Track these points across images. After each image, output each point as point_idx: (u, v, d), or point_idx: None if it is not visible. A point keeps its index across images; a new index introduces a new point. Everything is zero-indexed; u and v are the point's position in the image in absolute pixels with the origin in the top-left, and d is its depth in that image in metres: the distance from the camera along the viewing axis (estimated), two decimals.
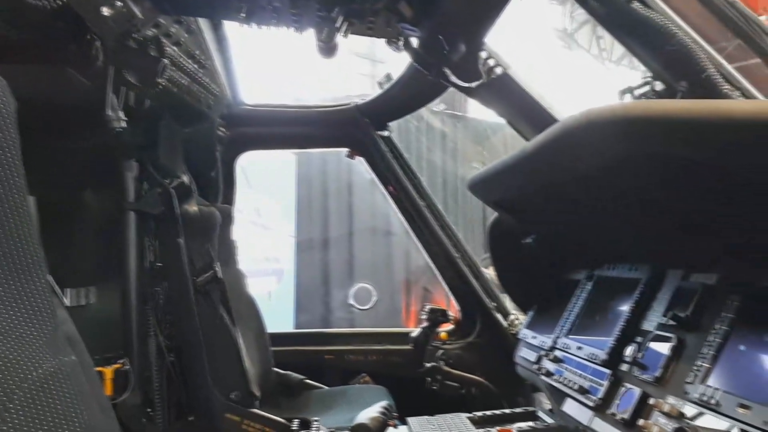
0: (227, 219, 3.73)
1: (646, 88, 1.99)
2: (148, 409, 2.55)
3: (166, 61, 2.33)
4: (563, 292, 3.34)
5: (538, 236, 3.41)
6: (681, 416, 1.94)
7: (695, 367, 2.03)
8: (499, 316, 4.29)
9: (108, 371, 2.38)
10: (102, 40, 2.03)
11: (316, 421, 2.66)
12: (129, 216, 2.80)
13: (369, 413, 2.51)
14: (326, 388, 3.95)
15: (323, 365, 4.34)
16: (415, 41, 2.90)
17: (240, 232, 4.09)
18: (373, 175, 4.41)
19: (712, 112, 1.34)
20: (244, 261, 3.95)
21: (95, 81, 2.16)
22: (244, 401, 2.79)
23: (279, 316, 7.18)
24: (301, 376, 3.91)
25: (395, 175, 4.25)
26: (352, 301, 4.73)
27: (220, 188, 3.83)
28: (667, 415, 2.00)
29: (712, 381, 1.92)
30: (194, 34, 3.05)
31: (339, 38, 2.39)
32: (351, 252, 7.65)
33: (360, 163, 4.44)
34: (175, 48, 2.70)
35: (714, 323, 2.06)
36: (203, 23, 3.26)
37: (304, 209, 7.95)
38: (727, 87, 1.78)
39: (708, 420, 1.84)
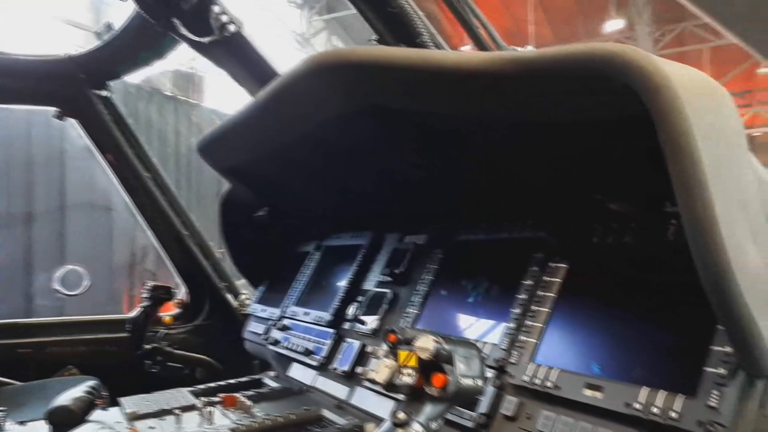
0: None
1: None
2: None
3: None
4: (294, 264, 3.37)
5: (270, 209, 3.38)
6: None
7: (406, 315, 2.22)
8: (229, 297, 4.15)
9: None
10: None
11: (1, 411, 2.19)
12: None
13: (72, 394, 2.15)
14: (19, 383, 3.33)
15: (18, 360, 3.65)
16: None
17: None
18: (89, 141, 3.87)
19: (422, 58, 1.46)
20: None
21: None
22: None
23: None
24: None
25: (115, 141, 3.77)
26: (57, 286, 4.06)
27: None
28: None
29: (420, 324, 2.12)
30: None
31: None
32: (61, 231, 6.60)
33: (73, 127, 3.85)
34: None
35: (422, 275, 2.29)
36: None
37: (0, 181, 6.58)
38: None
39: None
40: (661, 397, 1.26)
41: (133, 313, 3.39)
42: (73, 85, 3.64)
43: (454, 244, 2.26)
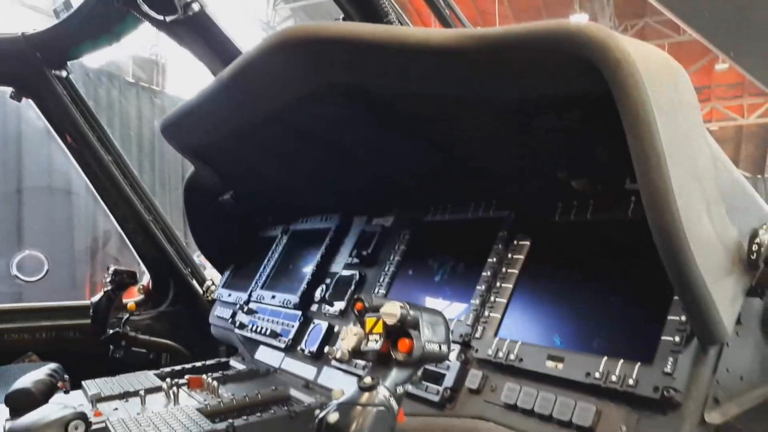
0: None
1: None
2: None
3: None
4: (260, 249, 3.35)
5: (236, 193, 3.34)
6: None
7: (373, 294, 2.23)
8: (194, 283, 4.10)
9: None
10: None
11: None
12: None
13: (32, 377, 2.10)
14: None
15: None
16: None
17: None
18: (46, 123, 3.76)
19: (388, 34, 1.46)
20: None
21: None
22: None
23: None
24: None
25: (74, 123, 3.67)
26: (16, 272, 3.95)
27: None
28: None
29: None
30: None
31: None
32: (18, 215, 6.35)
33: (30, 107, 3.73)
34: None
35: (390, 256, 2.30)
36: None
37: None
38: None
39: None
40: (619, 365, 1.31)
41: (96, 298, 3.32)
42: (29, 65, 3.53)
43: (421, 226, 2.28)
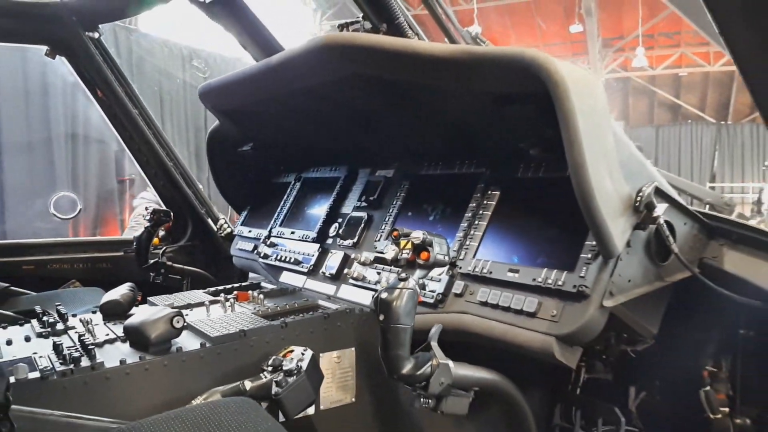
0: None
1: (357, 25, 2.67)
2: None
3: None
4: (275, 193, 3.97)
5: (255, 144, 3.92)
6: (372, 262, 2.80)
7: (380, 232, 2.91)
8: (209, 221, 4.70)
9: None
10: None
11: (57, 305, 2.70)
12: None
13: (118, 291, 2.69)
14: (34, 293, 3.84)
15: (23, 275, 4.15)
16: None
17: None
18: (78, 79, 4.24)
19: (404, 46, 2.08)
20: None
21: None
22: None
23: None
24: (4, 284, 3.71)
25: (105, 79, 4.17)
26: (53, 210, 4.49)
27: None
28: (363, 264, 2.84)
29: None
30: None
31: None
32: (51, 160, 6.83)
33: (61, 64, 4.20)
34: None
35: (392, 201, 2.97)
36: None
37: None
38: (409, 32, 2.59)
39: None
40: (554, 273, 2.02)
41: (137, 233, 3.94)
42: (65, 27, 3.98)
43: (417, 178, 2.94)
